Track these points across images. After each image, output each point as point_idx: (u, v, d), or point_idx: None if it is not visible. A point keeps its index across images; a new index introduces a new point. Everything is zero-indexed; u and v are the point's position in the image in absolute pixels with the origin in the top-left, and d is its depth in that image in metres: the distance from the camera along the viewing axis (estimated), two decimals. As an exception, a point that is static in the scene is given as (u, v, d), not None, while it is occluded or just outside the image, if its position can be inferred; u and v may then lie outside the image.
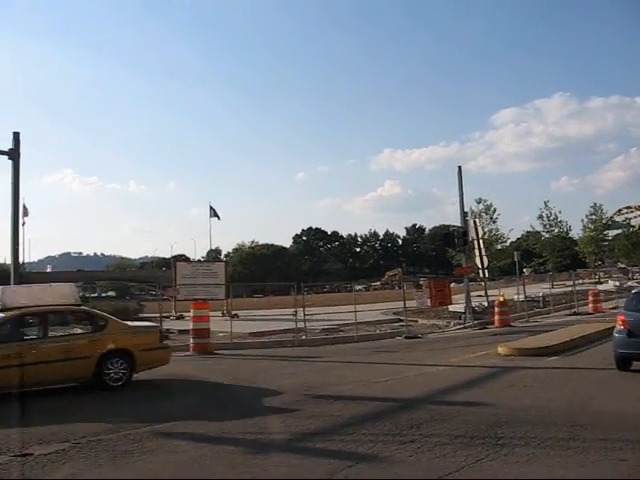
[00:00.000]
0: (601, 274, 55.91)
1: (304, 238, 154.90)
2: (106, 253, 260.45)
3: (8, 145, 22.07)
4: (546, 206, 62.79)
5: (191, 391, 11.22)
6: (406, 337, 20.45)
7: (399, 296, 33.79)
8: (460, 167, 28.14)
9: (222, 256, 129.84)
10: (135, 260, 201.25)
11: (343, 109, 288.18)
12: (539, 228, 65.00)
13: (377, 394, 10.27)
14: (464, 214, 28.25)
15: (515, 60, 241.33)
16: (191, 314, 17.55)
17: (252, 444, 7.11)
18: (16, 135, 21.82)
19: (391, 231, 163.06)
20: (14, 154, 21.55)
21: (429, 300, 24.24)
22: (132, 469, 6.16)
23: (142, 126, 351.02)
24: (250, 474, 5.87)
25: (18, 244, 21.05)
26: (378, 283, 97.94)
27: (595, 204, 67.68)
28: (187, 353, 17.04)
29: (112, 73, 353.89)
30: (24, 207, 61.38)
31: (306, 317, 20.93)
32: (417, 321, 25.60)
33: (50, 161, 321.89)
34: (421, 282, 40.36)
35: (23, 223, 62.35)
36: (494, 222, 52.44)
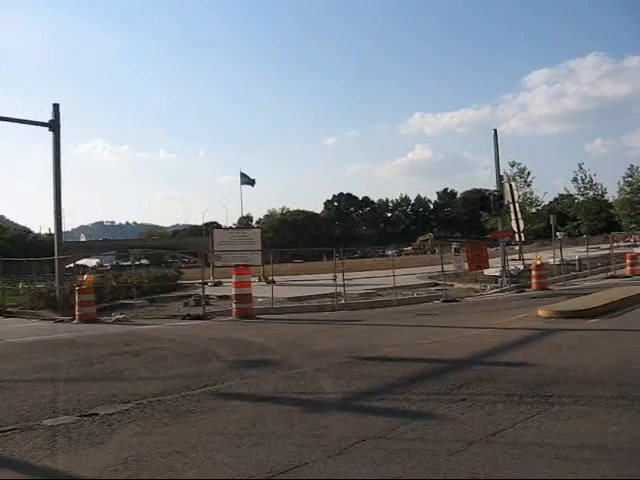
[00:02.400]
0: (637, 237, 55.37)
1: (335, 204, 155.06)
2: (138, 222, 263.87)
3: (46, 117, 22.54)
4: (581, 169, 62.29)
5: (240, 353, 11.47)
6: (444, 301, 20.59)
7: (432, 261, 34.00)
8: (496, 130, 28.01)
9: (253, 223, 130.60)
10: (167, 228, 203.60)
11: (372, 75, 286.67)
12: (573, 191, 64.46)
13: (423, 355, 10.45)
14: (499, 177, 28.16)
15: (547, 20, 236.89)
16: (233, 279, 17.83)
17: (307, 403, 7.35)
18: (56, 107, 22.24)
19: (422, 196, 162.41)
20: (54, 125, 22.01)
21: (466, 264, 24.33)
22: (196, 427, 6.41)
23: (171, 96, 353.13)
24: (310, 430, 6.11)
25: (61, 214, 21.54)
26: (410, 248, 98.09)
27: (632, 166, 66.81)
28: (230, 318, 17.40)
29: (141, 44, 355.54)
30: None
31: (345, 282, 21.16)
32: (453, 285, 25.72)
33: (81, 131, 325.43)
34: (454, 246, 40.44)
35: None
36: (528, 185, 52.17)
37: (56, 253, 21.47)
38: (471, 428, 5.94)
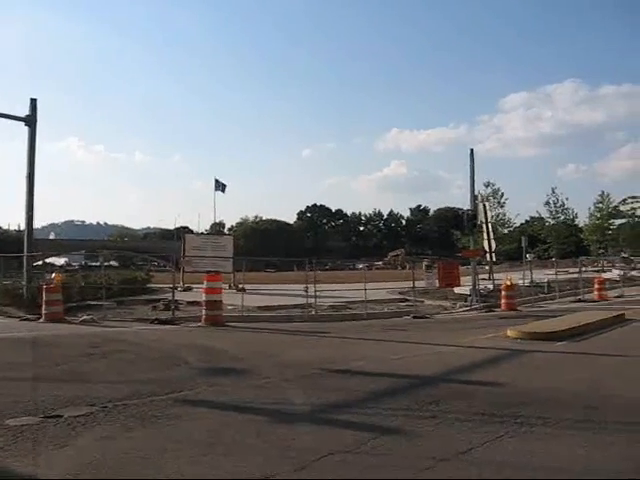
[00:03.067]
0: (605, 262, 56.08)
1: (308, 215, 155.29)
2: (109, 222, 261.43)
3: (19, 112, 22.29)
4: (553, 192, 63.05)
5: (208, 360, 11.38)
6: (414, 317, 20.63)
7: (402, 276, 34.04)
8: (472, 150, 28.30)
9: (226, 229, 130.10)
10: (138, 230, 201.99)
11: (351, 87, 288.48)
12: (545, 214, 65.20)
13: (393, 370, 10.43)
14: (474, 197, 28.41)
15: (526, 45, 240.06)
16: (204, 285, 17.70)
17: (275, 414, 7.28)
18: (33, 102, 21.98)
19: (395, 211, 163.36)
20: (31, 120, 21.74)
21: (437, 281, 24.45)
22: (163, 434, 6.32)
23: (148, 99, 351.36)
24: (278, 442, 6.05)
25: (32, 211, 21.24)
26: (381, 263, 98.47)
27: (603, 192, 67.88)
28: (199, 324, 17.23)
29: (120, 45, 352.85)
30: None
31: (316, 293, 21.13)
32: (423, 301, 25.79)
33: (55, 129, 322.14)
34: (425, 262, 40.62)
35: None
36: (501, 206, 52.76)
37: (25, 250, 21.15)
38: (440, 445, 5.93)
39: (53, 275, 20.10)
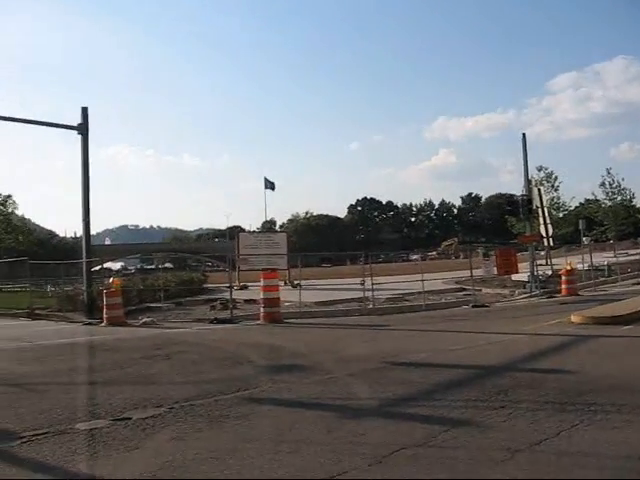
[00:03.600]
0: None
1: (359, 208, 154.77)
2: (162, 225, 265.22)
3: (72, 120, 22.68)
4: (608, 173, 61.55)
5: (271, 358, 11.41)
6: (473, 306, 20.37)
7: (457, 265, 33.74)
8: (524, 134, 27.82)
9: (277, 227, 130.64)
10: (191, 232, 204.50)
11: (395, 78, 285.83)
12: (601, 196, 63.69)
13: (457, 361, 10.27)
14: (528, 182, 27.91)
15: (571, 24, 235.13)
16: (261, 283, 17.76)
17: (343, 409, 7.23)
18: (84, 110, 22.35)
19: (446, 200, 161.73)
20: (83, 129, 22.11)
21: (495, 269, 24.10)
22: (231, 433, 6.32)
23: (195, 101, 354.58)
24: (348, 437, 5.98)
25: (89, 218, 21.61)
26: (434, 253, 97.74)
27: (661, 171, 66.12)
28: (257, 322, 17.33)
29: (167, 50, 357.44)
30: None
31: (372, 286, 21.03)
32: (481, 290, 25.42)
33: (107, 135, 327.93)
34: (482, 250, 40.15)
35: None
36: (555, 190, 51.70)
37: (84, 256, 21.55)
38: (514, 436, 5.78)
39: (112, 279, 20.43)
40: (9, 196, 61.53)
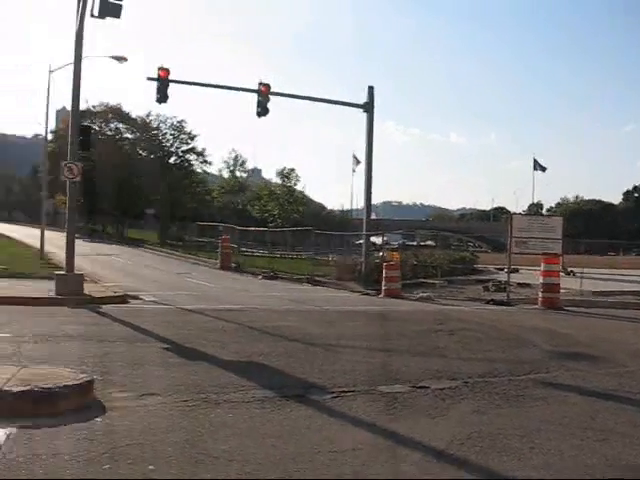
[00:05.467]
0: None
1: (636, 195, 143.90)
2: (425, 203, 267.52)
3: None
4: None
5: (554, 344, 11.12)
6: None
7: None
8: None
9: (543, 211, 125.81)
10: (453, 211, 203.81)
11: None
12: None
13: None
14: None
15: None
16: (541, 268, 17.39)
17: (647, 404, 6.97)
18: (370, 89, 23.27)
19: None
20: (368, 107, 23.06)
21: None
22: (531, 413, 6.38)
23: (463, 81, 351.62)
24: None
25: (371, 192, 22.58)
26: None
27: None
28: (535, 306, 17.03)
29: (434, 24, 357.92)
30: (355, 157, 65.00)
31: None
32: None
33: (377, 114, 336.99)
34: None
35: (353, 171, 66.33)
36: None
37: (364, 229, 22.67)
38: None
39: (392, 253, 21.21)
40: (292, 170, 66.34)
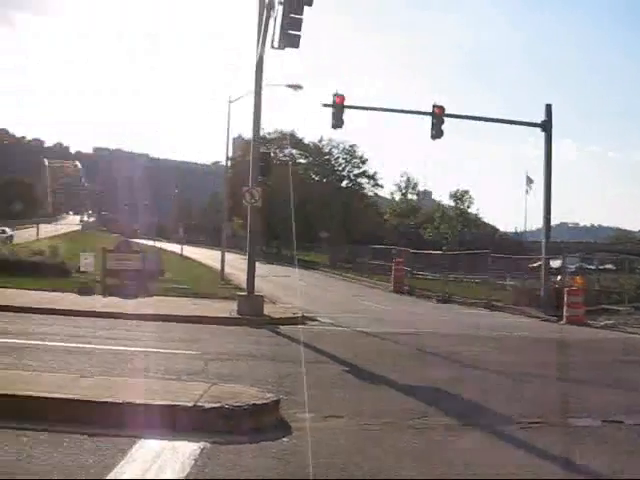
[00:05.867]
0: None
1: None
2: (603, 224, 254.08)
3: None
4: None
5: None
6: None
7: None
8: None
9: None
10: (636, 233, 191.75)
11: None
12: None
13: None
14: None
15: None
16: None
17: None
18: (548, 107, 22.54)
19: None
20: (547, 126, 22.30)
21: None
22: None
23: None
24: None
25: (550, 214, 21.80)
26: None
27: None
28: None
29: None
30: (528, 177, 62.65)
31: None
32: None
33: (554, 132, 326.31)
34: None
35: (526, 192, 63.93)
36: None
37: (543, 252, 21.90)
38: None
39: (574, 278, 20.29)
40: (466, 191, 65.24)
